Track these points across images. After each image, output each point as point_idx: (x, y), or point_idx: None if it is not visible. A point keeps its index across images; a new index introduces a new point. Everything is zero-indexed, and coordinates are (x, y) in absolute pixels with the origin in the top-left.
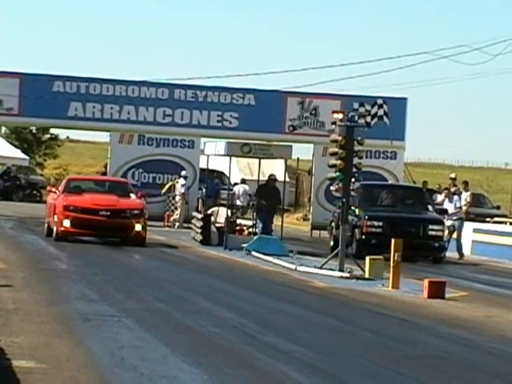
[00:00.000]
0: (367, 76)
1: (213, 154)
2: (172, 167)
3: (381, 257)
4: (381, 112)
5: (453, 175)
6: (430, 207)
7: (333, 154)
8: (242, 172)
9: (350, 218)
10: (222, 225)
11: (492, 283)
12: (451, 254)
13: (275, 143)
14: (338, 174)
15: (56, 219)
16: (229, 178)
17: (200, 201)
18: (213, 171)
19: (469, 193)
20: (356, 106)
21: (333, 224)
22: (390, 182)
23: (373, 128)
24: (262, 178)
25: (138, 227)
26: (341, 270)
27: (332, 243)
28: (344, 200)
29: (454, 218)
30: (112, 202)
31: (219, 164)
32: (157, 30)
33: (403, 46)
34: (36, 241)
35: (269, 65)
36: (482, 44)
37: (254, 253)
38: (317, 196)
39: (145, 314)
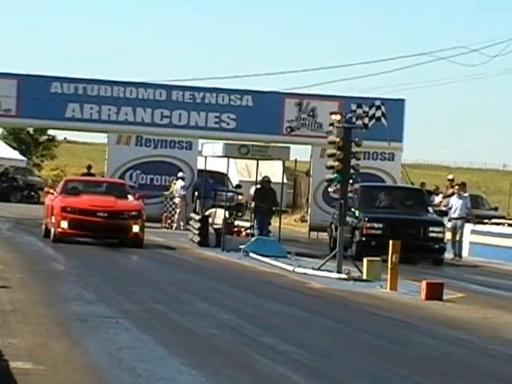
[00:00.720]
0: (365, 77)
1: (210, 155)
2: (170, 168)
3: (378, 258)
4: (378, 113)
5: (450, 176)
6: (430, 209)
7: (331, 156)
8: (239, 173)
9: (349, 219)
10: (220, 226)
11: (490, 285)
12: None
13: (273, 144)
14: (335, 175)
15: (54, 220)
16: (230, 180)
17: (197, 202)
18: (213, 172)
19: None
20: (354, 107)
21: (332, 226)
22: (388, 183)
23: (370, 129)
24: (259, 179)
25: (136, 228)
26: (339, 271)
27: (332, 245)
28: (342, 201)
29: (457, 216)
30: (110, 204)
31: (217, 165)
32: (154, 31)
33: (401, 48)
34: (34, 242)
35: (266, 66)
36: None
37: (251, 254)
38: (315, 197)
39: (142, 315)
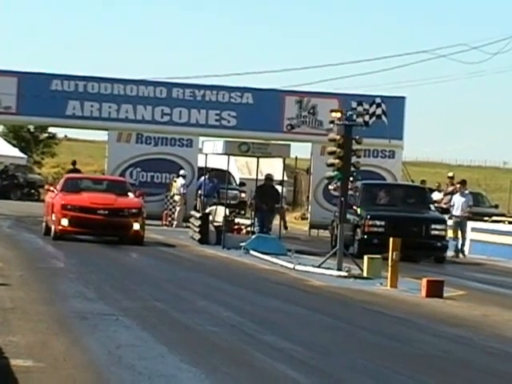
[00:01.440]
0: (366, 75)
1: (211, 152)
2: (170, 166)
3: (379, 256)
4: (379, 111)
5: (450, 174)
6: (432, 206)
7: (331, 153)
8: (240, 171)
9: (351, 217)
10: (220, 224)
11: (490, 282)
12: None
13: (273, 142)
14: (336, 172)
15: (54, 218)
16: (234, 178)
17: (198, 200)
18: (217, 170)
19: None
20: (354, 104)
21: (334, 224)
22: (389, 181)
23: (371, 127)
24: (260, 177)
25: (136, 226)
26: (339, 269)
27: (333, 243)
28: (342, 199)
29: (461, 214)
30: (110, 201)
31: (217, 163)
32: (155, 29)
33: (402, 45)
34: (34, 239)
35: (267, 64)
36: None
37: (252, 252)
38: (315, 195)
39: (142, 312)
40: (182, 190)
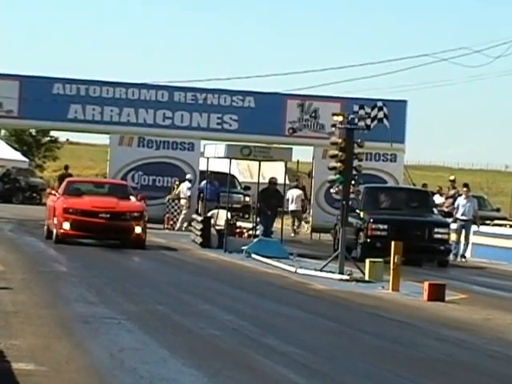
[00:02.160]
0: (367, 78)
1: (213, 156)
2: (172, 170)
3: (381, 259)
4: (381, 114)
5: (452, 177)
6: (434, 210)
7: (333, 157)
8: (241, 174)
9: (354, 221)
10: (222, 227)
11: (492, 286)
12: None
13: (275, 146)
14: (337, 176)
15: (56, 221)
16: (239, 181)
17: (200, 203)
18: (221, 174)
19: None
20: (356, 108)
21: (337, 227)
22: (390, 184)
23: (373, 130)
24: (262, 180)
25: (138, 230)
26: (341, 272)
27: (336, 246)
28: (344, 202)
29: (465, 218)
30: (112, 205)
31: (219, 166)
32: (156, 33)
33: (403, 49)
34: (35, 243)
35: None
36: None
37: (253, 255)
38: (317, 198)
39: (144, 316)
40: (187, 193)
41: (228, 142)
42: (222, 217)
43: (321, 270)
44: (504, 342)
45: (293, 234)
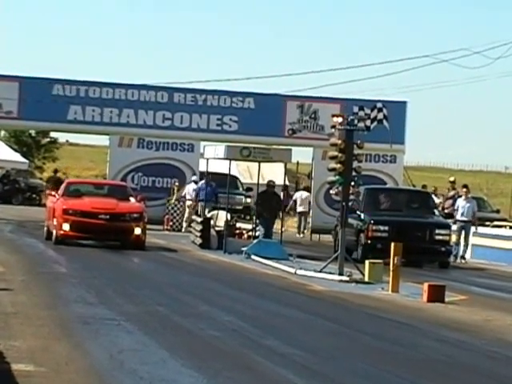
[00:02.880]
0: (367, 80)
1: (212, 157)
2: (172, 171)
3: (380, 260)
4: (380, 115)
5: (452, 178)
6: (435, 211)
7: (332, 158)
8: (241, 176)
9: (355, 222)
10: (222, 228)
11: (491, 287)
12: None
13: (275, 147)
14: (337, 177)
15: (55, 223)
16: (241, 183)
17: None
18: (223, 175)
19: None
20: (355, 109)
21: (337, 229)
22: (390, 185)
23: (372, 132)
24: (261, 181)
25: (138, 231)
26: (340, 273)
27: (337, 248)
28: (343, 204)
29: (465, 219)
30: (111, 206)
31: (219, 168)
32: (156, 34)
33: (403, 50)
34: (35, 244)
35: (268, 68)
36: (482, 47)
37: (253, 256)
38: (316, 200)
39: (144, 317)
40: (193, 194)
41: (228, 143)
42: (221, 218)
43: (320, 271)
44: (504, 343)
45: (298, 235)
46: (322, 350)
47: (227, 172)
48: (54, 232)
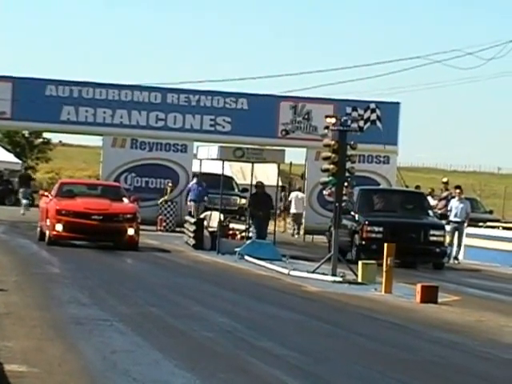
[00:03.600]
0: (360, 81)
1: (206, 158)
2: (165, 171)
3: (373, 261)
4: (374, 116)
5: (445, 179)
6: (430, 212)
7: (326, 159)
8: (234, 176)
9: (349, 223)
10: (215, 229)
11: (484, 288)
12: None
13: (268, 147)
14: (330, 178)
15: (48, 223)
16: (237, 183)
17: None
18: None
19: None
20: (349, 110)
21: (331, 229)
22: (383, 186)
23: (366, 132)
24: (254, 182)
25: (131, 231)
26: (333, 274)
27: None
28: (337, 204)
29: (458, 220)
30: (104, 206)
31: (212, 168)
32: (149, 35)
33: (396, 51)
34: (28, 245)
35: (262, 69)
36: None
37: (246, 257)
38: (309, 200)
39: (137, 318)
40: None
41: (221, 143)
42: (214, 218)
43: (313, 272)
44: (496, 343)
45: (292, 236)
46: (316, 351)
47: (220, 173)
48: (47, 233)
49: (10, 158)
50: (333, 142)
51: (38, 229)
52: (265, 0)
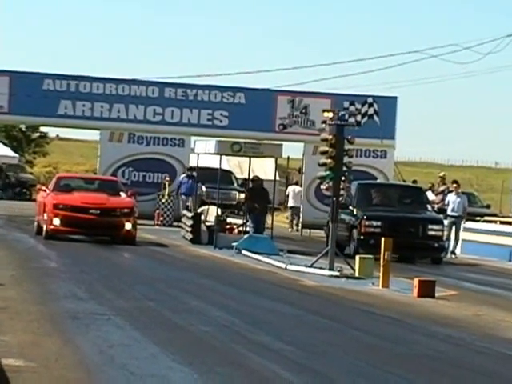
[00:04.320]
0: (357, 75)
1: (203, 152)
2: (162, 166)
3: (371, 256)
4: (371, 111)
5: (441, 174)
6: (428, 207)
7: (323, 153)
8: (232, 170)
9: (347, 217)
10: (212, 223)
11: (482, 282)
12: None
13: (265, 142)
14: (328, 172)
15: (46, 217)
16: (236, 178)
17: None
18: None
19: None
20: (346, 104)
21: (330, 224)
22: (380, 180)
23: (363, 127)
24: (252, 176)
25: (128, 226)
26: (331, 268)
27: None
28: (334, 199)
29: (455, 215)
30: (102, 201)
31: (209, 162)
32: (147, 29)
33: (393, 45)
34: (26, 239)
35: (259, 63)
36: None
37: (244, 252)
38: (307, 195)
39: (134, 312)
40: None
41: (218, 138)
42: (212, 213)
43: (311, 266)
44: (493, 338)
45: (290, 230)
46: (313, 346)
47: (218, 167)
48: (45, 227)
49: (7, 152)
50: (330, 137)
51: (35, 223)
52: None
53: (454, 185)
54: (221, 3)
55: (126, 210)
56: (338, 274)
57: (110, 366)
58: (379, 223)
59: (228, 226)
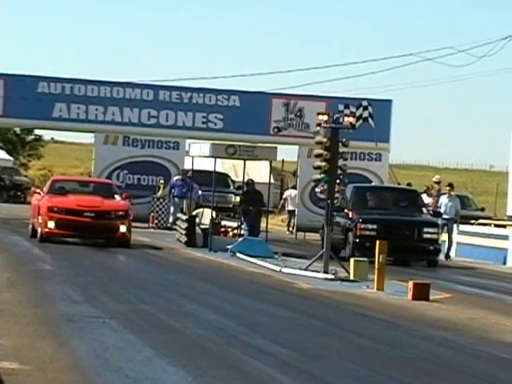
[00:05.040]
0: (352, 78)
1: (198, 155)
2: (157, 169)
3: (365, 259)
4: (366, 114)
5: (436, 178)
6: (424, 210)
7: (318, 156)
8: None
9: (342, 220)
10: (207, 226)
11: (476, 285)
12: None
13: (260, 145)
14: (322, 175)
15: (40, 220)
16: (232, 181)
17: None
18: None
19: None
20: (341, 107)
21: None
22: (375, 183)
23: (358, 130)
24: (247, 179)
25: (123, 228)
26: (325, 271)
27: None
28: (329, 202)
29: (448, 217)
30: (96, 204)
31: (204, 165)
32: (141, 32)
33: (388, 48)
34: (20, 242)
35: (254, 66)
36: (467, 46)
37: (238, 254)
38: (302, 198)
39: (129, 315)
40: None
41: (213, 141)
42: (206, 216)
43: (305, 269)
44: (488, 341)
45: (288, 233)
46: (308, 348)
47: (213, 170)
48: (39, 230)
49: (1, 154)
50: (325, 140)
51: (30, 226)
52: None
53: (447, 187)
54: (215, 6)
55: (120, 213)
56: (332, 277)
57: (105, 369)
58: (375, 226)
59: (223, 229)
